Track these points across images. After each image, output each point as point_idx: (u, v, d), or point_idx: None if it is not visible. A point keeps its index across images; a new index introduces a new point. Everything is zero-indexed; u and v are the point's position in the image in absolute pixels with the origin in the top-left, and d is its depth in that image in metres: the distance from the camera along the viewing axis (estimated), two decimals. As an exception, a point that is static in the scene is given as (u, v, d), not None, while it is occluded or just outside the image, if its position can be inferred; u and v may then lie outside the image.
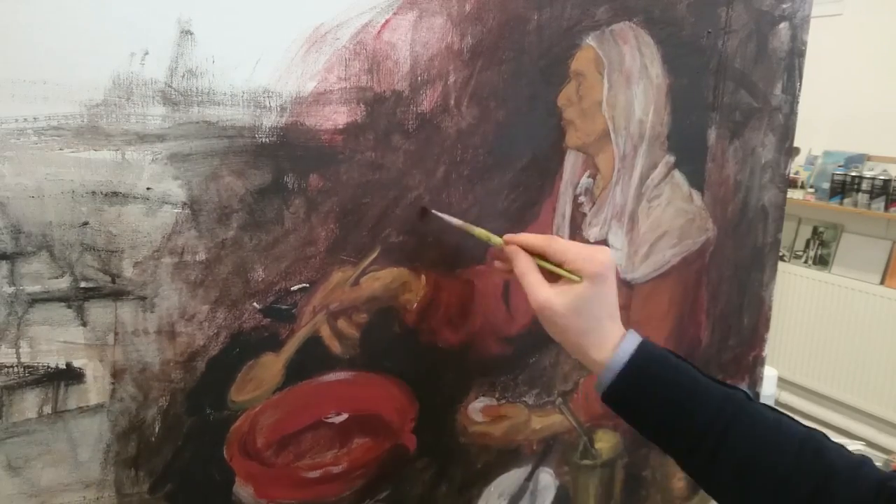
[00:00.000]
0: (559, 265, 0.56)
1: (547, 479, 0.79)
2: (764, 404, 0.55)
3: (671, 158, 0.78)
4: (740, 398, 0.53)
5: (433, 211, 0.61)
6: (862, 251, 3.20)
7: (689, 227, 0.83)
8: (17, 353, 0.46)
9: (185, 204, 0.50)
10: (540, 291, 0.55)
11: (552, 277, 0.57)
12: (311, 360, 0.58)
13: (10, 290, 0.45)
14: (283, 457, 0.59)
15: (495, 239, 0.60)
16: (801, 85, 0.89)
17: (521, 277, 0.57)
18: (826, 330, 3.24)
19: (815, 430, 0.52)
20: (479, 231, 0.61)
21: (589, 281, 0.54)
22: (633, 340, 0.55)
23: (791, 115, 0.89)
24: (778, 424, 0.52)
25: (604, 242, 0.75)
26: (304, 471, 0.61)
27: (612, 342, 0.55)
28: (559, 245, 0.56)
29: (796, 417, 0.54)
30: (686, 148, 0.79)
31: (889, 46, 3.08)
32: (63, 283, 0.47)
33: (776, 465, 0.50)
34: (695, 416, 0.52)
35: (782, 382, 3.31)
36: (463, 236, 0.65)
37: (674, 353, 0.56)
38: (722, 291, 0.89)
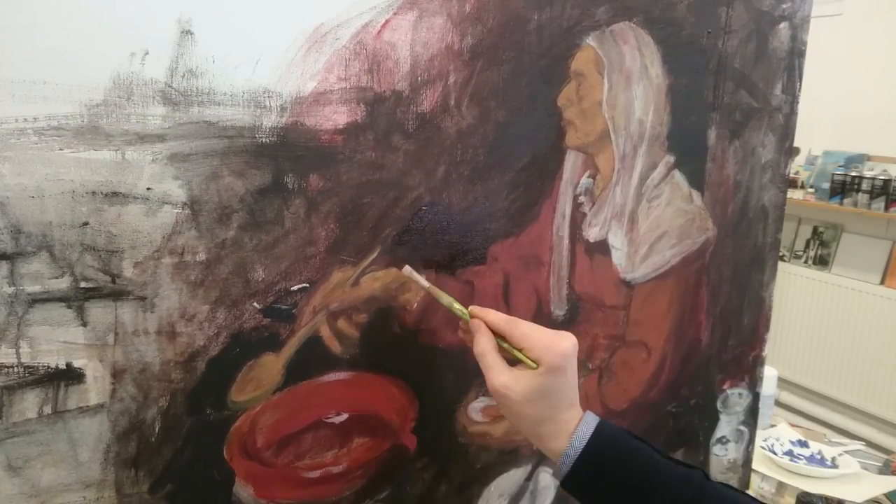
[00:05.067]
0: (520, 350, 0.55)
1: (547, 479, 0.79)
2: (721, 483, 0.55)
3: (671, 158, 0.78)
4: (698, 479, 0.54)
5: (406, 267, 0.60)
6: (862, 251, 3.20)
7: (689, 227, 0.83)
8: (18, 354, 0.46)
9: (185, 204, 0.50)
10: (496, 375, 0.54)
11: (513, 359, 0.56)
12: (311, 360, 0.58)
13: (10, 290, 0.45)
14: (283, 457, 0.59)
15: (459, 309, 0.59)
16: (801, 85, 0.89)
17: (480, 357, 0.56)
18: (826, 330, 3.24)
19: None
20: (446, 298, 0.59)
21: (546, 370, 0.53)
22: (588, 425, 0.54)
23: (791, 115, 0.89)
24: None
25: (603, 242, 0.75)
26: (304, 471, 0.61)
27: (567, 429, 0.54)
28: (522, 329, 0.55)
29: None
30: (686, 148, 0.79)
31: (889, 46, 3.08)
32: (63, 284, 0.47)
33: None
34: (653, 502, 0.52)
35: (782, 382, 3.31)
36: (462, 234, 0.65)
37: (631, 434, 0.56)
38: (722, 291, 0.89)
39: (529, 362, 0.54)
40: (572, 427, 0.54)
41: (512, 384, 0.53)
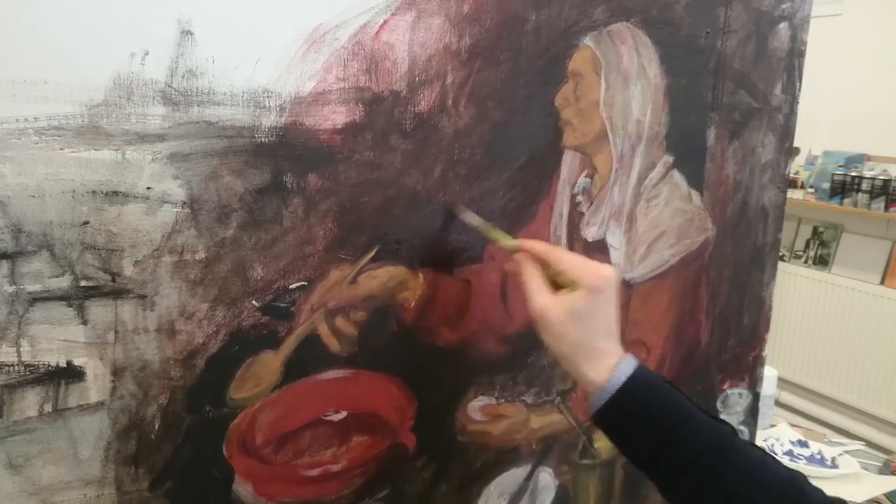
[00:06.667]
0: (560, 273, 0.57)
1: (546, 479, 0.79)
2: (749, 442, 0.56)
3: (669, 158, 0.78)
4: (729, 433, 0.54)
5: (460, 206, 0.63)
6: (862, 251, 3.20)
7: (688, 227, 0.83)
8: (18, 352, 0.47)
9: (184, 203, 0.50)
10: (538, 297, 0.56)
11: (556, 288, 0.57)
12: (309, 357, 0.59)
13: (11, 289, 0.45)
14: (283, 454, 0.59)
15: (509, 243, 0.61)
16: (800, 85, 0.89)
17: (524, 283, 0.57)
18: (826, 330, 3.24)
19: (797, 471, 0.54)
20: (497, 233, 0.62)
21: (585, 291, 0.55)
22: (629, 364, 0.55)
23: (791, 115, 0.89)
24: (764, 463, 0.53)
25: (602, 242, 0.76)
26: (303, 469, 0.61)
27: (608, 363, 0.55)
28: (562, 254, 0.58)
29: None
30: (685, 148, 0.80)
31: (889, 46, 3.08)
32: (63, 282, 0.47)
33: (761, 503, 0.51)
34: (684, 446, 0.53)
35: (782, 382, 3.30)
36: (459, 233, 0.65)
37: (666, 381, 0.57)
38: (722, 291, 0.89)
39: (569, 283, 0.56)
40: (612, 360, 0.55)
41: (552, 305, 0.55)
